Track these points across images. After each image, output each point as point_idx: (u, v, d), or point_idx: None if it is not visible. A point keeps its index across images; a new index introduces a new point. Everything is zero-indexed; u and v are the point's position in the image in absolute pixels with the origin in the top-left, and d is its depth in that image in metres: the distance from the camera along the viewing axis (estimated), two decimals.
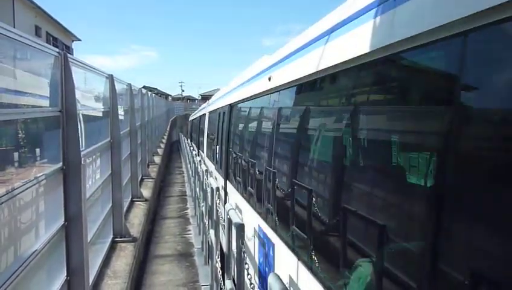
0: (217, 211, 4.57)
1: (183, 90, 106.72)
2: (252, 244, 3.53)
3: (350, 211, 1.96)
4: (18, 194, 2.40)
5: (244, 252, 3.03)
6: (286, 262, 2.73)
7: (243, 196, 4.25)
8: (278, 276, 2.10)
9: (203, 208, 6.54)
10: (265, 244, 3.44)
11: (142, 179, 9.76)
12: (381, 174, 1.83)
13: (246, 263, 3.03)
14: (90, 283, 3.63)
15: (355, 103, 2.07)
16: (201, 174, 7.16)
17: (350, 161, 2.08)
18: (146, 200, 7.95)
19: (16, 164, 2.68)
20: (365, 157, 1.92)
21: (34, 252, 2.60)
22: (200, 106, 32.00)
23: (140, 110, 10.20)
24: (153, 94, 18.42)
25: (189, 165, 13.05)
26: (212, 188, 5.00)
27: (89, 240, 3.56)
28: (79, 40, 36.16)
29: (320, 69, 2.34)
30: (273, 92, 3.50)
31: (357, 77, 2.05)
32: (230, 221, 3.45)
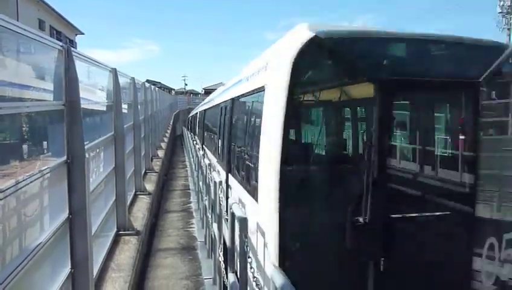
0: (220, 204, 4.58)
1: (186, 84, 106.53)
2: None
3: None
4: (22, 187, 2.41)
5: (247, 246, 3.04)
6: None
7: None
8: (280, 270, 2.11)
9: (206, 202, 6.56)
10: None
11: (145, 173, 9.79)
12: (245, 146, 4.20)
13: (249, 257, 3.04)
14: (94, 276, 3.66)
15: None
16: (204, 168, 7.17)
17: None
18: (149, 193, 7.98)
19: (20, 157, 2.69)
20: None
21: (38, 245, 2.61)
22: (203, 100, 32.02)
23: (143, 104, 10.21)
24: (156, 88, 18.41)
25: (192, 159, 13.07)
26: (215, 182, 5.01)
27: (92, 233, 3.58)
28: (82, 34, 36.14)
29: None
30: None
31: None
32: (233, 215, 3.45)
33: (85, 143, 3.36)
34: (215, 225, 5.01)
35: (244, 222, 3.12)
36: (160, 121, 18.74)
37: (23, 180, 2.43)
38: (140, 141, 8.28)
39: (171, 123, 30.21)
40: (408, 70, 3.29)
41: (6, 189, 2.22)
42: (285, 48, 3.21)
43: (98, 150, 4.62)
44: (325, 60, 3.19)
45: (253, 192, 3.52)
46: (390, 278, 3.04)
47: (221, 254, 4.25)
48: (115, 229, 5.41)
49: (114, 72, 5.54)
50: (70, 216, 3.17)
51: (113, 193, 5.39)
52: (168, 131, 24.49)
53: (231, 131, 5.41)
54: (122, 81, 6.07)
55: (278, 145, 2.97)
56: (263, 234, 3.09)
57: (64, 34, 30.93)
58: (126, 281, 4.18)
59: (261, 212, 3.20)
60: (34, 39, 2.70)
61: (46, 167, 2.84)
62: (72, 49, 3.27)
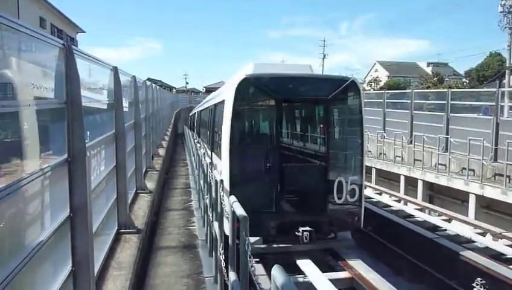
0: (221, 203, 4.58)
1: (187, 83, 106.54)
2: (220, 173, 6.69)
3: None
4: (23, 185, 2.41)
5: (248, 245, 3.04)
6: None
7: (217, 155, 7.40)
8: (282, 269, 2.10)
9: (207, 201, 6.55)
10: None
11: (146, 171, 9.80)
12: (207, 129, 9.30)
13: (250, 255, 3.04)
14: (95, 274, 3.66)
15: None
16: (205, 166, 7.17)
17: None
18: (150, 192, 7.98)
19: (21, 156, 2.69)
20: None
21: (39, 243, 2.61)
22: (203, 98, 32.42)
23: (144, 102, 10.20)
24: (157, 86, 18.40)
25: (193, 158, 13.07)
26: (216, 180, 5.01)
27: (93, 232, 3.58)
28: (83, 32, 36.14)
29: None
30: None
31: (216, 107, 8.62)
32: (234, 213, 3.46)
33: (86, 141, 3.35)
34: (216, 224, 5.01)
35: (245, 220, 3.12)
36: (162, 120, 18.73)
37: (24, 179, 2.43)
38: (141, 140, 8.28)
39: (172, 122, 30.19)
40: (292, 93, 6.61)
41: (7, 187, 2.22)
42: (233, 82, 6.59)
43: (99, 149, 4.62)
44: (250, 88, 6.48)
45: (220, 155, 6.73)
46: (283, 194, 6.46)
47: (222, 252, 4.26)
48: (116, 228, 5.41)
49: (115, 71, 5.54)
50: (71, 214, 3.17)
51: (114, 191, 5.39)
52: (169, 129, 24.48)
53: (213, 124, 8.74)
54: (123, 79, 6.07)
55: (228, 131, 6.21)
56: (223, 172, 6.49)
57: (65, 32, 30.93)
58: (127, 279, 4.18)
59: (223, 163, 6.50)
60: (35, 37, 2.69)
61: (46, 166, 2.84)
62: (73, 47, 3.27)
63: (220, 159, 6.82)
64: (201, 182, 8.13)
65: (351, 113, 7.12)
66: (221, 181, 4.72)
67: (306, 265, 6.53)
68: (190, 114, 23.41)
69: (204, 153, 8.31)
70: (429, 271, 8.13)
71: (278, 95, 6.62)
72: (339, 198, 6.88)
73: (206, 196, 6.77)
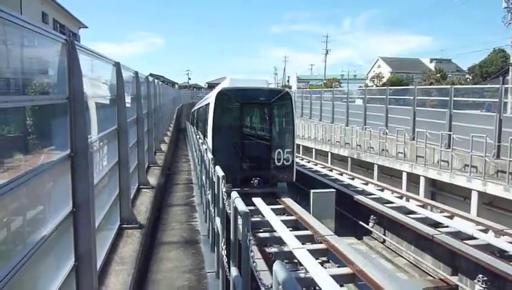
0: (223, 199, 4.59)
1: (189, 78, 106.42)
2: (206, 147, 9.80)
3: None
4: (26, 180, 2.42)
5: (249, 240, 3.05)
6: None
7: (206, 136, 10.86)
8: (283, 264, 2.11)
9: (209, 196, 6.57)
10: None
11: (148, 167, 9.82)
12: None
13: (252, 251, 3.05)
14: (97, 269, 3.68)
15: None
16: (207, 162, 7.17)
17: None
18: (153, 187, 8.00)
19: (24, 151, 2.69)
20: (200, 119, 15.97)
21: (42, 238, 2.63)
22: (206, 94, 32.89)
23: (147, 98, 10.20)
24: (160, 82, 18.38)
25: (195, 154, 13.08)
26: (218, 176, 5.02)
27: (96, 227, 3.60)
28: (86, 27, 36.10)
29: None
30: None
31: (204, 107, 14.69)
32: (236, 209, 3.46)
33: (88, 136, 3.36)
34: (218, 219, 5.02)
35: (247, 216, 3.13)
36: (164, 115, 18.74)
37: (27, 174, 2.44)
38: (143, 135, 8.29)
39: (174, 117, 30.19)
40: (250, 98, 11.22)
41: (10, 182, 2.23)
42: (215, 91, 11.62)
43: (101, 144, 4.63)
44: (224, 96, 11.06)
45: (207, 136, 10.99)
46: (244, 160, 10.93)
47: (224, 247, 4.27)
48: (118, 223, 5.43)
49: (117, 66, 5.54)
50: (74, 210, 3.18)
51: (117, 187, 5.41)
52: (172, 125, 24.49)
53: (204, 117, 12.91)
54: (125, 75, 6.07)
55: (211, 121, 10.91)
56: (208, 145, 10.88)
57: (67, 28, 30.90)
58: (129, 274, 4.21)
59: (209, 141, 10.94)
60: (38, 32, 2.69)
61: (49, 161, 2.85)
62: (76, 42, 3.27)
63: (207, 138, 11.72)
64: (203, 177, 8.14)
65: (286, 111, 11.81)
66: (206, 150, 8.67)
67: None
68: (192, 110, 27.45)
69: (199, 138, 12.31)
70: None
71: (240, 100, 11.51)
72: (278, 161, 11.56)
73: (208, 192, 6.78)
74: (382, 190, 14.95)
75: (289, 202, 11.26)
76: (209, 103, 12.15)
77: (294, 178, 11.95)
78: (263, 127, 12.00)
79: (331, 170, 19.42)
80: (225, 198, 4.52)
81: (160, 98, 15.97)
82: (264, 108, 11.84)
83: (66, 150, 3.13)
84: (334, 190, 13.06)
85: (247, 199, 9.40)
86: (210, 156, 6.86)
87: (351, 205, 13.73)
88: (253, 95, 11.77)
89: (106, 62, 5.17)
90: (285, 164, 11.62)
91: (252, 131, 11.99)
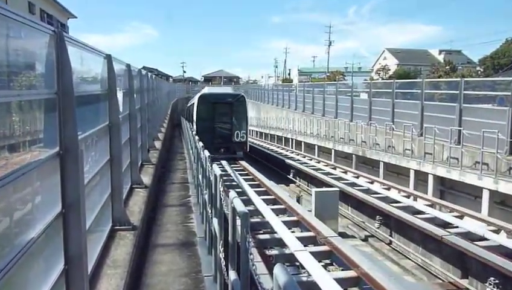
0: (221, 199, 4.59)
1: (184, 72, 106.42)
2: (191, 129, 13.95)
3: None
4: (13, 180, 2.42)
5: (249, 242, 3.05)
6: None
7: (192, 124, 18.99)
8: (285, 267, 2.11)
9: (206, 196, 6.58)
10: None
11: (142, 165, 9.82)
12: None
13: (251, 253, 3.05)
14: (88, 272, 3.69)
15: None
16: (204, 160, 7.18)
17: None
18: (146, 187, 8.01)
19: (10, 148, 2.69)
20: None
21: (30, 240, 2.63)
22: (202, 87, 34.06)
23: (139, 92, 10.19)
24: (153, 75, 18.35)
25: (191, 151, 13.08)
26: (215, 175, 5.02)
27: (87, 228, 3.60)
28: (75, 17, 36.00)
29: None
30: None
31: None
32: (234, 209, 3.47)
33: (79, 133, 3.36)
34: (215, 220, 5.03)
35: (246, 217, 3.13)
36: (158, 110, 18.73)
37: (13, 173, 2.44)
38: (136, 132, 8.29)
39: (168, 113, 30.17)
40: (218, 99, 20.46)
41: None
42: (198, 95, 21.54)
43: (92, 141, 4.63)
44: (204, 98, 20.38)
45: (193, 123, 19.99)
46: (215, 137, 19.76)
47: (222, 250, 4.28)
48: (110, 224, 5.44)
49: (109, 59, 5.52)
50: (64, 210, 3.18)
51: (108, 186, 5.41)
52: (166, 121, 24.47)
53: (191, 112, 21.10)
54: (117, 68, 6.06)
55: (195, 114, 20.05)
56: (194, 129, 17.92)
57: (55, 18, 30.81)
58: (122, 278, 4.22)
59: (194, 126, 19.55)
60: (24, 23, 2.68)
61: (37, 159, 2.85)
62: (65, 34, 3.26)
63: (193, 124, 19.67)
64: (200, 176, 8.15)
65: (242, 107, 20.16)
66: (193, 132, 13.94)
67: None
68: (188, 105, 31.68)
69: (190, 126, 19.34)
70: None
71: (213, 100, 20.17)
72: (237, 138, 19.86)
73: (205, 191, 6.79)
74: (388, 189, 14.98)
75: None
76: (194, 102, 21.87)
77: (248, 149, 21.23)
78: (227, 117, 20.60)
79: (334, 168, 19.47)
80: (223, 198, 4.53)
81: (154, 92, 15.95)
82: (228, 105, 20.57)
83: (55, 147, 3.13)
84: (338, 189, 13.09)
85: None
86: (196, 135, 12.28)
87: (356, 205, 13.76)
88: (222, 97, 21.07)
89: (97, 54, 5.16)
90: (242, 140, 20.54)
91: (221, 120, 20.61)
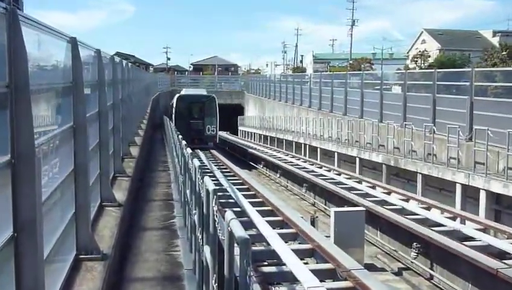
0: (215, 221, 4.61)
1: (169, 59, 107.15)
2: (170, 123, 21.42)
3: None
4: None
5: (250, 277, 3.06)
6: None
7: (171, 120, 31.12)
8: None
9: (196, 217, 6.59)
10: None
11: (114, 177, 9.86)
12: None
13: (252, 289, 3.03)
14: None
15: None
16: (193, 171, 7.20)
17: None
18: (120, 205, 8.04)
19: None
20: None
21: None
22: (192, 80, 41.05)
23: (112, 85, 10.26)
24: (129, 63, 18.47)
25: (176, 159, 13.12)
26: (207, 190, 5.04)
27: (45, 257, 3.62)
28: None
29: None
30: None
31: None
32: (231, 235, 3.48)
33: (35, 137, 3.39)
34: (207, 248, 5.04)
35: (246, 244, 3.15)
36: (135, 108, 18.82)
37: None
38: (108, 135, 8.34)
39: (148, 110, 30.33)
40: (193, 100, 34.59)
41: None
42: (176, 96, 35.86)
43: (52, 146, 4.66)
44: (180, 100, 34.22)
45: (172, 120, 30.73)
46: (191, 130, 31.29)
47: (216, 286, 4.29)
48: (75, 252, 5.46)
49: (73, 43, 5.58)
50: (15, 234, 3.20)
51: (72, 204, 5.44)
52: (145, 121, 24.58)
53: (173, 111, 33.26)
54: (84, 54, 6.11)
55: (174, 112, 33.01)
56: (173, 124, 25.32)
57: None
58: None
59: (173, 122, 28.45)
60: None
61: None
62: (19, 12, 3.30)
63: (172, 121, 29.41)
64: (188, 192, 8.18)
65: (213, 106, 33.48)
66: (172, 128, 19.96)
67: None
68: (173, 101, 38.30)
69: (169, 123, 25.92)
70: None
71: (188, 101, 34.17)
72: (208, 132, 32.76)
73: (195, 211, 6.80)
74: (428, 209, 14.95)
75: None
76: (173, 102, 34.31)
77: (217, 141, 33.97)
78: (200, 115, 32.77)
79: (359, 182, 19.48)
80: (217, 220, 4.54)
81: (130, 85, 16.04)
82: (200, 105, 33.32)
83: (5, 155, 3.15)
84: (364, 209, 13.06)
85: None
86: (175, 130, 17.03)
87: (387, 229, 13.73)
88: (196, 98, 34.36)
89: (58, 38, 5.21)
90: (212, 133, 32.56)
91: (195, 117, 32.69)
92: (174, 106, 33.43)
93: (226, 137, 46.14)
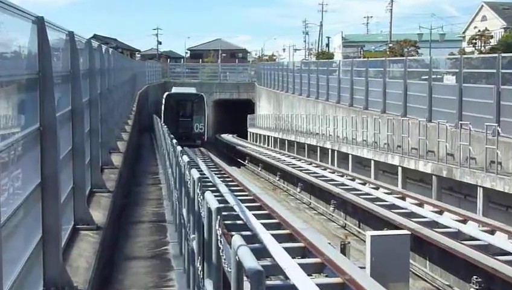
0: (219, 248, 4.59)
1: (159, 43, 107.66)
2: (159, 122, 32.78)
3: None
4: None
5: None
6: None
7: (160, 117, 43.35)
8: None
9: (195, 243, 6.58)
10: None
11: (92, 193, 9.88)
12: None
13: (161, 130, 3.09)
14: None
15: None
16: (190, 185, 7.19)
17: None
18: (98, 228, 8.05)
19: None
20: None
21: None
22: (189, 69, 36.84)
23: (89, 76, 10.30)
24: (110, 49, 18.58)
25: (170, 170, 13.14)
26: (210, 209, 5.03)
27: None
28: None
29: None
30: None
31: None
32: (240, 266, 3.47)
33: None
34: (209, 283, 5.03)
35: (259, 278, 3.13)
36: (117, 105, 18.90)
37: None
38: (83, 139, 8.37)
39: (133, 108, 30.47)
40: (182, 98, 50.36)
41: None
42: (166, 94, 50.03)
43: (12, 154, 4.67)
44: (169, 98, 48.72)
45: (161, 117, 41.68)
46: (180, 128, 44.48)
47: None
48: (41, 288, 5.47)
49: (40, 24, 5.60)
50: None
51: (39, 227, 5.45)
52: (130, 122, 24.69)
53: (162, 108, 46.84)
54: (53, 38, 6.14)
55: (163, 109, 46.89)
56: (162, 121, 32.53)
57: None
58: None
59: (162, 120, 37.14)
60: None
61: None
62: None
63: (161, 119, 38.15)
64: (184, 211, 8.17)
65: (201, 105, 48.41)
66: (161, 124, 25.41)
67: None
68: (165, 95, 48.78)
69: (160, 124, 26.80)
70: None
71: (177, 98, 49.04)
72: (196, 129, 46.63)
73: (193, 236, 6.80)
74: (492, 232, 14.84)
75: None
76: (162, 101, 47.06)
77: (206, 139, 46.92)
78: (189, 112, 47.06)
79: (402, 198, 19.38)
80: (221, 247, 4.53)
81: (110, 76, 16.10)
82: (189, 103, 47.91)
83: None
84: (409, 233, 12.99)
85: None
86: (168, 132, 19.20)
87: (439, 258, 13.63)
88: (184, 96, 49.35)
89: (21, 18, 5.24)
90: (200, 131, 46.21)
91: (184, 114, 46.93)
92: (163, 104, 45.61)
93: (232, 141, 53.13)
